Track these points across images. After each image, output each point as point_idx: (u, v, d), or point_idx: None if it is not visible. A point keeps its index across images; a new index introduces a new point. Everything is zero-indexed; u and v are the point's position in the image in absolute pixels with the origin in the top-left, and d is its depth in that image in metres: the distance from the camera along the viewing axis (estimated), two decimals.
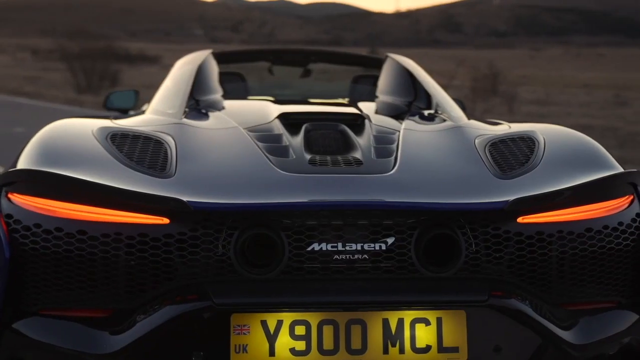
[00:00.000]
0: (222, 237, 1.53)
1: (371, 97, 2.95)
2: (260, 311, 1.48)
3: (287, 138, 1.83)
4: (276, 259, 1.51)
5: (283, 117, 1.98)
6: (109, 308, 1.55)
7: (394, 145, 1.81)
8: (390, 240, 1.54)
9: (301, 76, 3.64)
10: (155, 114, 2.33)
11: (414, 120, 2.16)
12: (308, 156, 1.72)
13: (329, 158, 1.71)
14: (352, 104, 2.72)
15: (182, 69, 2.76)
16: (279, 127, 1.91)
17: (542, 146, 1.83)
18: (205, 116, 2.17)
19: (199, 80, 2.52)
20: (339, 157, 1.71)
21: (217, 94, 2.61)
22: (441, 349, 1.50)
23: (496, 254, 1.58)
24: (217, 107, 2.35)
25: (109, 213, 1.54)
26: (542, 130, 1.97)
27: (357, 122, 1.98)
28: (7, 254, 1.52)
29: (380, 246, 1.54)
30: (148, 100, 3.97)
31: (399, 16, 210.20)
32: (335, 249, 1.53)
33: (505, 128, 2.07)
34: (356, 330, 1.47)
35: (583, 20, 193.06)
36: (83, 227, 1.53)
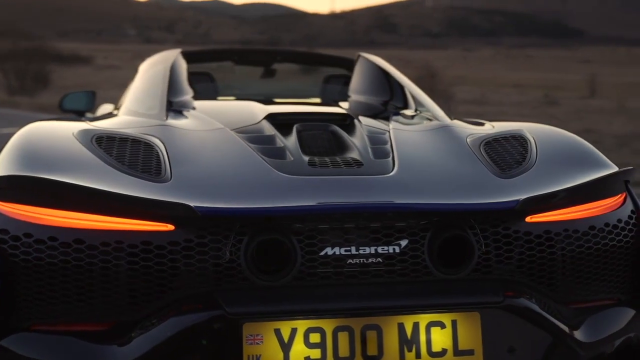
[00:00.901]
0: (230, 243, 1.47)
1: (343, 97, 2.95)
2: (274, 319, 1.42)
3: (280, 139, 1.79)
4: (288, 265, 1.46)
5: (271, 118, 1.94)
6: (109, 321, 1.46)
7: (388, 146, 1.79)
8: (403, 243, 1.51)
9: (263, 76, 3.64)
10: (132, 116, 2.24)
11: (400, 120, 2.16)
12: (306, 158, 1.68)
13: (327, 159, 1.67)
14: (334, 104, 2.72)
15: (153, 69, 2.69)
16: (269, 128, 1.87)
17: (534, 145, 1.84)
18: (187, 117, 2.10)
19: (172, 81, 2.47)
20: (338, 158, 1.68)
21: (189, 94, 2.54)
22: (457, 352, 1.48)
23: (507, 253, 1.57)
24: (196, 108, 2.28)
25: (108, 220, 1.46)
26: (528, 129, 1.97)
27: (346, 122, 1.96)
28: None
29: (394, 249, 1.51)
30: (106, 101, 3.92)
31: (335, 17, 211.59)
32: (349, 252, 1.49)
33: (489, 127, 2.08)
34: (372, 335, 1.44)
35: (512, 22, 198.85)
36: (80, 236, 1.44)
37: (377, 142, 1.81)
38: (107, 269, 1.43)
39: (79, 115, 3.39)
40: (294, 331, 1.42)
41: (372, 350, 1.43)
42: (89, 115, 3.44)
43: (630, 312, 1.67)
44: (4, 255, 1.43)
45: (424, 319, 1.47)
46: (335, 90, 3.21)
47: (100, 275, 1.43)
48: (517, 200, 1.54)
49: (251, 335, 1.40)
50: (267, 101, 2.57)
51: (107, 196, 1.44)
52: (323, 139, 1.82)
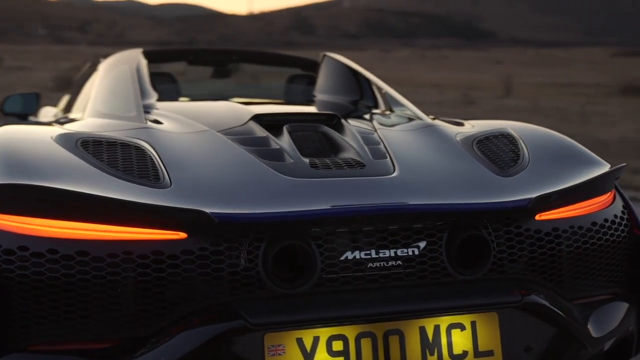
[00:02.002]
0: (247, 250, 1.41)
1: (307, 97, 2.88)
2: (295, 328, 1.37)
3: (274, 141, 1.74)
4: (308, 271, 1.41)
5: (257, 119, 1.88)
6: (116, 338, 1.37)
7: (382, 146, 1.76)
8: (422, 245, 1.49)
9: (217, 76, 3.52)
10: (104, 118, 2.11)
11: (383, 119, 2.12)
12: (306, 159, 1.63)
13: (328, 160, 1.64)
14: (312, 103, 2.65)
15: (117, 69, 2.54)
16: (260, 130, 1.81)
17: (523, 143, 1.84)
18: (167, 119, 1.99)
19: (141, 82, 2.34)
20: (338, 160, 1.65)
21: (155, 96, 2.39)
22: (477, 353, 1.47)
23: (520, 252, 1.57)
24: (171, 110, 2.15)
25: (114, 230, 1.37)
26: (511, 127, 1.98)
27: (334, 122, 1.92)
28: None
29: (413, 251, 1.48)
30: (48, 104, 3.61)
31: (252, 18, 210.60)
32: (369, 256, 1.46)
33: (470, 127, 2.05)
34: (394, 341, 1.42)
35: (427, 24, 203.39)
36: (84, 248, 1.35)
37: (371, 142, 1.77)
38: (115, 282, 1.35)
39: (20, 119, 3.16)
40: (316, 340, 1.38)
41: (395, 356, 1.41)
42: (32, 118, 3.21)
43: (625, 306, 1.67)
44: None
45: (444, 321, 1.45)
46: (298, 90, 3.13)
47: (107, 289, 1.35)
48: (530, 199, 1.54)
49: (273, 346, 1.35)
50: (245, 102, 2.44)
51: (112, 204, 1.36)
52: (315, 139, 1.75)
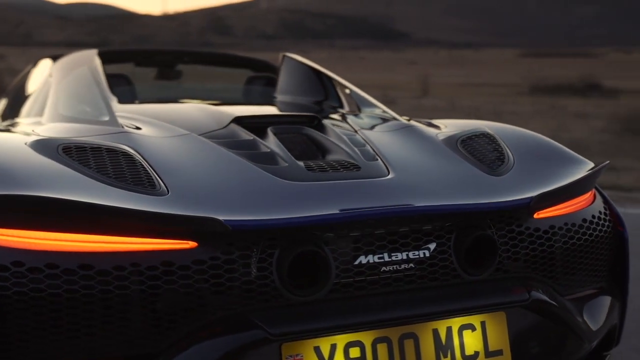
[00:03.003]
0: (259, 258, 1.35)
1: (267, 98, 2.83)
2: (313, 337, 1.34)
3: (263, 144, 1.69)
4: (323, 277, 1.37)
5: (238, 122, 1.83)
6: (124, 355, 1.30)
7: (369, 147, 1.74)
8: (432, 246, 1.48)
9: (168, 79, 3.39)
10: (69, 122, 1.99)
11: (361, 120, 2.09)
12: (300, 162, 1.59)
13: (322, 163, 1.61)
14: (284, 105, 2.58)
15: (76, 71, 2.40)
16: (245, 133, 1.76)
17: (503, 142, 1.86)
18: (141, 123, 1.89)
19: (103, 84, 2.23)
20: (332, 162, 1.62)
21: (115, 99, 2.28)
22: (488, 353, 1.47)
23: (522, 250, 1.58)
24: (141, 113, 2.04)
25: (120, 241, 1.29)
26: (487, 126, 2.00)
27: (314, 123, 1.89)
28: None
29: (424, 253, 1.47)
30: None
31: (167, 18, 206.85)
32: (382, 260, 1.44)
33: (444, 126, 2.05)
34: (409, 344, 1.41)
35: (343, 25, 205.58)
36: (87, 261, 1.27)
37: (357, 144, 1.75)
38: (123, 296, 1.27)
39: None
40: (333, 347, 1.35)
41: None
42: None
43: (610, 299, 1.69)
44: None
45: (456, 322, 1.45)
46: (258, 92, 3.07)
47: (115, 304, 1.27)
48: (531, 197, 1.55)
49: (291, 356, 1.32)
50: (213, 104, 2.31)
51: (117, 213, 1.28)
52: (300, 141, 1.75)
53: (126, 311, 1.28)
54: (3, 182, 1.36)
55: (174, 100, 2.66)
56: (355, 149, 1.70)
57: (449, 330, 1.44)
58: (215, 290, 1.32)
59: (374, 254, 1.43)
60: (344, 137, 1.78)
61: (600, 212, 1.74)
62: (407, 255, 1.45)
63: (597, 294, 1.72)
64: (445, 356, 1.43)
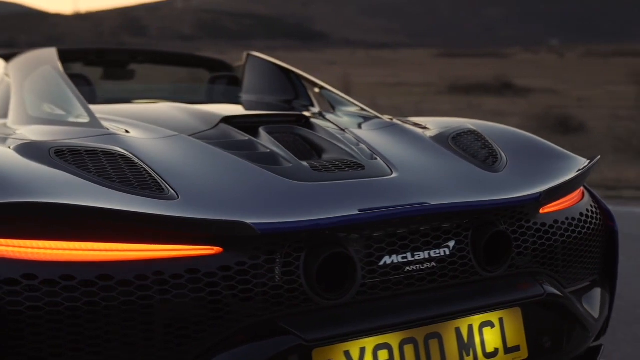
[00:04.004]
0: (285, 261, 1.31)
1: (232, 98, 2.79)
2: (343, 341, 1.31)
3: (261, 144, 1.64)
4: (349, 279, 1.34)
5: (227, 121, 1.78)
6: None
7: (364, 146, 1.72)
8: (451, 244, 1.48)
9: (120, 78, 3.29)
10: (42, 124, 1.86)
11: (342, 119, 2.06)
12: (304, 162, 1.56)
13: (325, 162, 1.58)
14: (266, 105, 2.51)
15: (39, 70, 2.28)
16: (238, 133, 1.71)
17: (489, 139, 1.86)
18: (122, 124, 1.80)
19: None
20: (335, 161, 1.59)
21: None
22: (507, 350, 1.48)
23: (533, 245, 1.59)
24: (116, 114, 1.95)
25: (141, 248, 1.22)
26: (470, 123, 2.00)
27: (302, 122, 1.87)
28: None
29: (444, 251, 1.47)
30: None
31: (79, 18, 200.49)
32: (406, 259, 1.42)
33: (425, 124, 2.05)
34: (434, 344, 1.40)
35: (260, 25, 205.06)
36: (106, 271, 1.19)
37: (352, 143, 1.73)
38: (147, 307, 1.20)
39: None
40: (362, 351, 1.34)
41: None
42: None
43: (601, 291, 1.76)
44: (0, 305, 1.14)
45: (476, 320, 1.45)
46: (221, 91, 3.00)
47: (139, 316, 1.20)
48: (540, 192, 1.56)
49: None
50: (190, 104, 2.24)
51: (137, 219, 1.22)
52: (295, 141, 1.68)
53: (150, 323, 1.21)
54: (2, 190, 1.26)
55: (126, 100, 2.59)
56: (354, 148, 1.68)
57: (470, 328, 1.44)
58: (242, 297, 1.27)
59: (397, 254, 1.41)
60: (338, 136, 1.76)
61: (591, 206, 1.78)
62: (429, 254, 1.44)
63: (592, 287, 1.75)
64: (468, 354, 1.43)
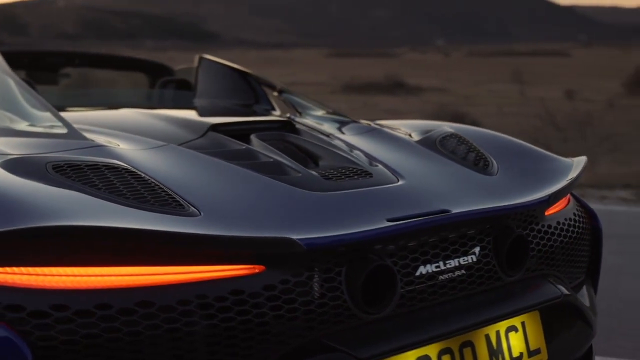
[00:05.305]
0: (325, 277, 1.25)
1: (185, 102, 2.64)
2: (392, 355, 1.28)
3: (260, 153, 1.57)
4: (390, 292, 1.30)
5: (215, 129, 1.69)
6: None
7: (360, 152, 1.69)
8: (477, 250, 1.48)
9: (53, 83, 3.03)
10: (10, 135, 1.60)
11: (324, 124, 2.01)
12: (312, 171, 1.50)
13: (332, 170, 1.54)
14: (250, 110, 2.39)
15: None
16: (234, 142, 1.62)
17: (471, 141, 1.86)
18: (100, 134, 1.63)
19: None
20: (341, 169, 1.55)
21: None
22: (530, 353, 1.48)
23: (543, 248, 1.61)
24: (84, 122, 1.75)
25: (180, 271, 1.14)
26: (448, 127, 1.99)
27: (288, 128, 1.83)
28: None
29: (471, 258, 1.47)
30: None
31: None
32: (439, 268, 1.41)
33: (401, 127, 2.03)
34: (468, 353, 1.40)
35: (150, 25, 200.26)
36: (146, 297, 1.09)
37: (345, 149, 1.70)
38: (192, 334, 1.11)
39: None
40: None
41: None
42: None
43: (589, 288, 1.83)
44: (25, 343, 1.03)
45: (502, 326, 1.46)
46: (170, 96, 2.87)
47: (184, 343, 1.11)
48: (549, 195, 1.59)
49: None
50: (151, 109, 2.13)
51: (175, 240, 1.12)
52: (289, 148, 1.65)
53: (196, 350, 1.13)
54: (9, 211, 1.12)
55: (88, 106, 2.36)
56: (351, 154, 1.65)
57: (498, 334, 1.44)
58: (289, 316, 1.20)
59: (431, 263, 1.40)
60: (331, 142, 1.72)
61: (578, 207, 1.81)
62: (459, 261, 1.44)
63: (582, 284, 1.78)
64: None
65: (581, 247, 1.76)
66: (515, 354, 1.46)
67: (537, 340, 1.50)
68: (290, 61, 44.25)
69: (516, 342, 1.47)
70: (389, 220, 1.33)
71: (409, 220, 1.35)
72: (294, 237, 1.20)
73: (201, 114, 2.31)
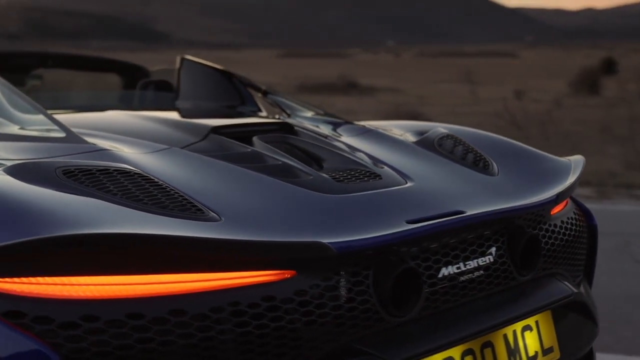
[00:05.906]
0: (354, 280, 1.25)
1: (166, 104, 2.56)
2: (420, 358, 1.29)
3: (267, 156, 1.55)
4: (415, 295, 1.30)
5: (217, 132, 1.66)
6: None
7: (364, 154, 1.69)
8: (493, 251, 1.49)
9: (23, 84, 2.85)
10: (4, 140, 1.52)
11: (319, 125, 2.00)
12: (323, 173, 1.50)
13: (342, 173, 1.53)
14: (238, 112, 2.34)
15: None
16: (238, 145, 1.60)
17: (466, 141, 1.87)
18: (97, 138, 1.57)
19: None
20: (350, 171, 1.55)
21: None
22: (544, 351, 1.50)
23: (552, 247, 1.63)
24: (77, 125, 1.67)
25: (211, 277, 1.11)
26: (442, 127, 2.01)
27: (287, 129, 1.82)
28: None
29: (488, 259, 1.48)
30: None
31: None
32: (460, 269, 1.42)
33: (394, 128, 2.04)
34: (488, 353, 1.41)
35: (97, 25, 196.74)
36: (178, 305, 1.07)
37: (347, 151, 1.69)
38: (226, 342, 1.09)
39: None
40: None
41: None
42: None
43: (586, 285, 1.85)
44: (57, 356, 1.00)
45: (518, 326, 1.48)
46: (152, 97, 2.79)
47: (219, 352, 1.09)
48: (557, 194, 1.61)
49: None
50: (140, 111, 2.07)
51: (208, 245, 1.11)
52: (293, 150, 1.65)
53: (230, 358, 1.11)
54: (32, 223, 1.07)
55: (66, 109, 2.25)
56: (355, 156, 1.65)
57: (515, 334, 1.47)
58: (321, 321, 1.19)
59: (452, 265, 1.41)
60: (333, 144, 1.72)
61: (575, 207, 1.84)
62: (477, 262, 1.45)
63: (581, 282, 1.80)
64: None
65: (581, 245, 1.79)
66: (531, 353, 1.48)
67: (550, 338, 1.52)
68: (241, 62, 44.07)
69: (531, 342, 1.48)
70: (408, 223, 1.34)
71: (430, 222, 1.36)
72: (334, 241, 1.20)
73: (197, 116, 2.28)
